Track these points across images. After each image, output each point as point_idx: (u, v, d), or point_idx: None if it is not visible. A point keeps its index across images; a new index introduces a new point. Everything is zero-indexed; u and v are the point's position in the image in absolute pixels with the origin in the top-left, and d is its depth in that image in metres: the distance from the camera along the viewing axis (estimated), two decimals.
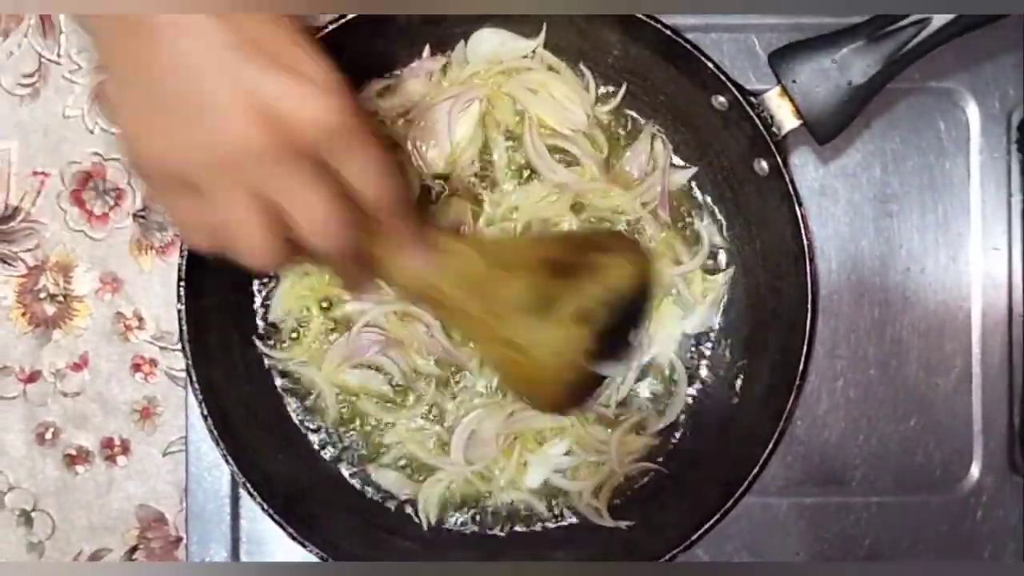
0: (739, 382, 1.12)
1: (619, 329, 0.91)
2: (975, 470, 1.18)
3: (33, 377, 1.24)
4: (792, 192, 0.97)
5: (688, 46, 1.00)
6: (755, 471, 1.00)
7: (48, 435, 1.24)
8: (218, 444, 1.01)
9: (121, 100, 0.74)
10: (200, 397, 1.01)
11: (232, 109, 0.70)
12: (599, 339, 0.87)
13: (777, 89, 0.98)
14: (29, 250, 1.24)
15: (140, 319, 1.24)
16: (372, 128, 0.76)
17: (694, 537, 1.01)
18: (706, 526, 1.01)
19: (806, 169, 1.18)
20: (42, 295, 1.24)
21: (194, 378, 1.02)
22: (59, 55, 1.24)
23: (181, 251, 1.01)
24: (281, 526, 1.02)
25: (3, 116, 1.23)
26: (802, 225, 0.97)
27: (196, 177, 0.73)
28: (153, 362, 1.24)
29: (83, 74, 1.24)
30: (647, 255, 0.97)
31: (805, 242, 0.98)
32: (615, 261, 0.89)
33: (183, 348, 1.02)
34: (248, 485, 1.01)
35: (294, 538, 1.01)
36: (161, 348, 1.24)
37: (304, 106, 0.71)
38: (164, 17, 0.69)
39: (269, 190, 0.73)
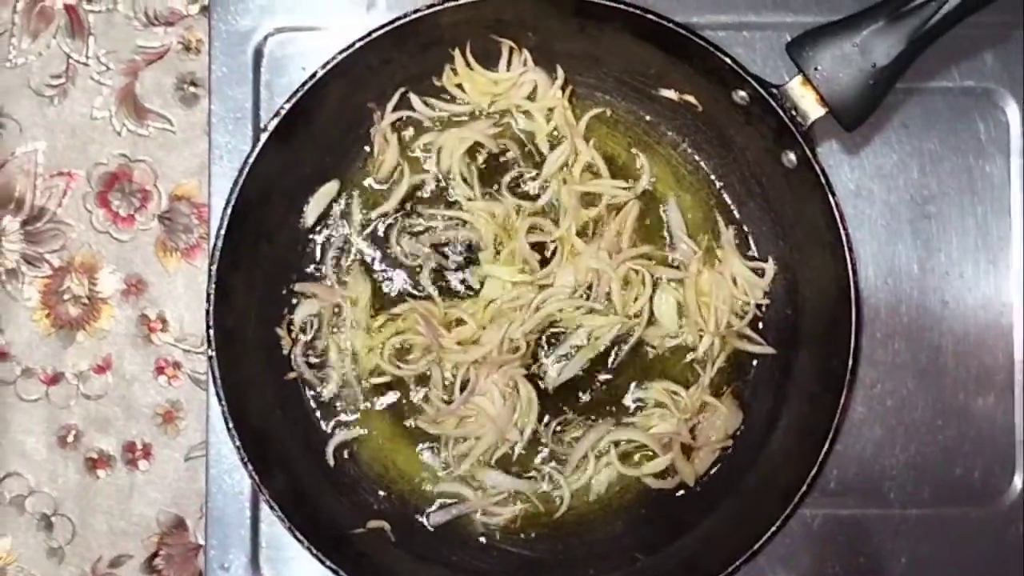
0: (781, 379, 1.09)
1: None
2: (1018, 482, 1.14)
3: (56, 379, 1.23)
4: (824, 180, 0.95)
5: (702, 43, 0.98)
6: (804, 486, 0.99)
7: (70, 438, 1.23)
8: (261, 491, 1.02)
9: None
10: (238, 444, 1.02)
11: None
12: None
13: (799, 78, 0.96)
14: (55, 251, 1.24)
15: (164, 321, 1.23)
16: None
17: (746, 555, 0.99)
18: (756, 545, 0.99)
19: (840, 169, 1.15)
20: (66, 296, 1.23)
21: (231, 424, 1.01)
22: (87, 56, 1.24)
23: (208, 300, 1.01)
24: (334, 571, 1.01)
25: (31, 117, 1.24)
26: (836, 212, 0.94)
27: None
28: (177, 365, 1.23)
29: (111, 76, 1.24)
30: None
31: (841, 231, 0.95)
32: None
33: (217, 393, 1.01)
34: (295, 531, 1.02)
35: None
36: (185, 351, 1.23)
37: None
38: None
39: None
